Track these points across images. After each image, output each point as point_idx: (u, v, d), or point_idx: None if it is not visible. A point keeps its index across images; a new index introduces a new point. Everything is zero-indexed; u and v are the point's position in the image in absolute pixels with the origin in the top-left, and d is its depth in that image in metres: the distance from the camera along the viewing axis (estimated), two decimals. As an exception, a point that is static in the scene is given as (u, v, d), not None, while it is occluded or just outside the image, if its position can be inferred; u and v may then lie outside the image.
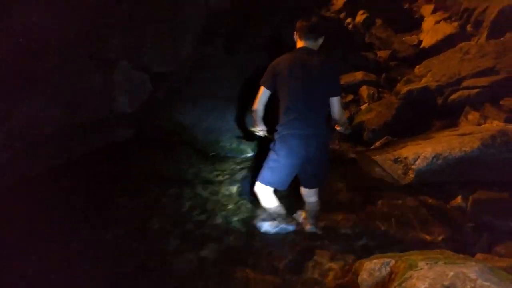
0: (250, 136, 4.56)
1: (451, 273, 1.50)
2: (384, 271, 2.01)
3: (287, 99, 2.77)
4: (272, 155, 2.89)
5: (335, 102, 2.84)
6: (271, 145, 2.92)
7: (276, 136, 2.87)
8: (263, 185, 2.97)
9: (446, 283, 1.47)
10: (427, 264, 1.72)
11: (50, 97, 3.92)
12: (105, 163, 4.17)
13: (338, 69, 2.96)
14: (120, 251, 2.86)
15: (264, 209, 3.15)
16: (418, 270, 1.68)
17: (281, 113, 2.84)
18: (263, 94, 2.90)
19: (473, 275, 1.45)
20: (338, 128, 3.00)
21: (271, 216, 3.13)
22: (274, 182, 2.94)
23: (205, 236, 3.06)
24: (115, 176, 3.97)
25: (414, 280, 1.60)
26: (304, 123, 2.76)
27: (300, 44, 2.90)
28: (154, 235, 3.06)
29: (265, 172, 2.92)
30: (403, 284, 1.63)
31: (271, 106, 2.99)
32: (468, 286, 1.39)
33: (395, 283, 1.70)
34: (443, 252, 2.23)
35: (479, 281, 1.40)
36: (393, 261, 2.03)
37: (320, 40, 2.92)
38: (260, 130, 3.19)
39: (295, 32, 2.95)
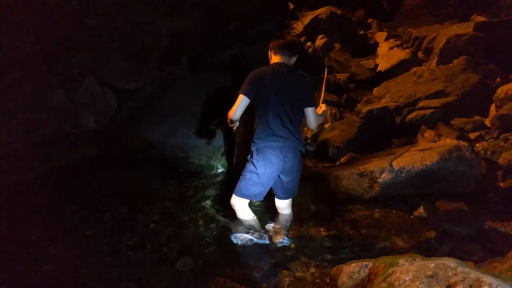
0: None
1: (432, 265, 1.62)
2: (363, 273, 2.10)
3: (266, 110, 2.85)
4: (249, 166, 2.94)
5: (310, 113, 2.94)
6: (248, 156, 2.98)
7: (253, 147, 2.93)
8: (239, 198, 3.01)
9: (429, 273, 1.58)
10: (407, 261, 1.83)
11: (9, 113, 3.81)
12: (70, 181, 4.04)
13: (312, 81, 3.06)
14: (93, 268, 2.76)
15: (238, 222, 3.19)
16: (400, 266, 1.79)
17: (258, 124, 2.92)
18: (241, 102, 2.83)
19: (452, 265, 1.58)
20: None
21: (245, 229, 3.17)
22: (251, 194, 2.99)
23: (179, 249, 3.03)
24: (82, 194, 3.86)
25: (398, 274, 1.70)
26: (281, 134, 2.85)
27: (275, 59, 2.99)
28: (128, 251, 2.99)
29: (242, 184, 2.97)
30: (388, 279, 1.73)
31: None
32: (450, 274, 1.51)
33: (379, 279, 1.79)
34: (413, 256, 2.36)
35: (459, 269, 1.53)
36: (371, 264, 2.13)
37: (294, 58, 3.03)
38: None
39: (269, 51, 3.04)
